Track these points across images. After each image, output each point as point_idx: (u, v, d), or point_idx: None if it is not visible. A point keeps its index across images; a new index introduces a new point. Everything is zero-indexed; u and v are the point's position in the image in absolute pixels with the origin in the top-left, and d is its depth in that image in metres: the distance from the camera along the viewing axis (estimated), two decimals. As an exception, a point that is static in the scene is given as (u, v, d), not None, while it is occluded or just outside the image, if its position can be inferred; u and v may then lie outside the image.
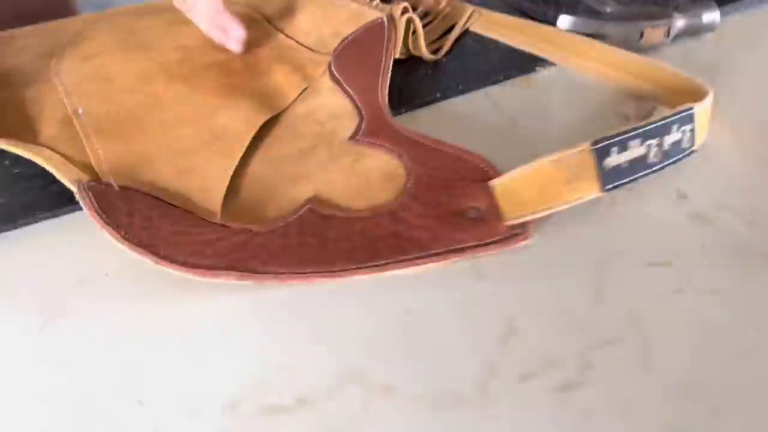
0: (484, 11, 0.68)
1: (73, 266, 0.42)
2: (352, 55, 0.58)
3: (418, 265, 0.41)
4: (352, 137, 0.51)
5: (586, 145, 0.43)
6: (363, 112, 0.52)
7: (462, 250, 0.42)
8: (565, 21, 0.64)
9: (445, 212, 0.44)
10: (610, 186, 0.44)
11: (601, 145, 0.43)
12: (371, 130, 0.50)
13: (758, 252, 0.41)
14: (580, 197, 0.43)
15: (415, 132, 0.50)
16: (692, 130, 0.47)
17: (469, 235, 0.42)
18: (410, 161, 0.47)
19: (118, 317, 0.39)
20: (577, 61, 0.61)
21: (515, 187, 0.44)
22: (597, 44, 0.60)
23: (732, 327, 0.37)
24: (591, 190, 0.43)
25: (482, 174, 0.46)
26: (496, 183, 0.45)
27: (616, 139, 0.44)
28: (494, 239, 0.42)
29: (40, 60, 0.61)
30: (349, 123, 0.52)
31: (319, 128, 0.52)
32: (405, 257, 0.41)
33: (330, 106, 0.54)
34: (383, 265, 0.41)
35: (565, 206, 0.43)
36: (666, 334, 0.36)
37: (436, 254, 0.41)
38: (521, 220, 0.43)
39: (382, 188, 0.46)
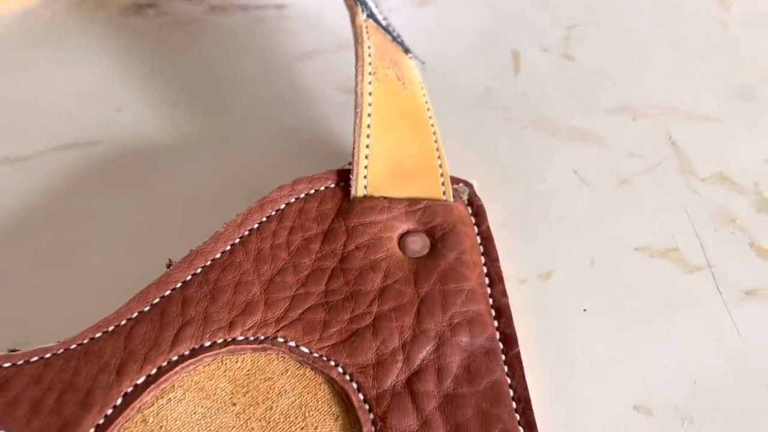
0: None
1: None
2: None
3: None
4: None
5: (357, 16, 0.24)
6: None
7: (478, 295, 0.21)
8: None
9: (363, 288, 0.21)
10: (406, 45, 0.27)
11: (360, 4, 0.25)
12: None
13: None
14: (419, 84, 0.25)
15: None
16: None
17: (463, 283, 0.21)
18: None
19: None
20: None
21: (385, 152, 0.23)
22: None
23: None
24: (411, 68, 0.26)
25: (328, 202, 0.22)
26: (361, 182, 0.22)
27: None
28: (475, 237, 0.23)
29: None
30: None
31: None
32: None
33: None
34: None
35: (431, 117, 0.25)
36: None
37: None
38: (443, 178, 0.24)
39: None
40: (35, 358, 0.19)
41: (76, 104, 0.28)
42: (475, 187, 0.24)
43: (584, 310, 0.23)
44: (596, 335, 0.23)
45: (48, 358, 0.19)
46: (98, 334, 0.20)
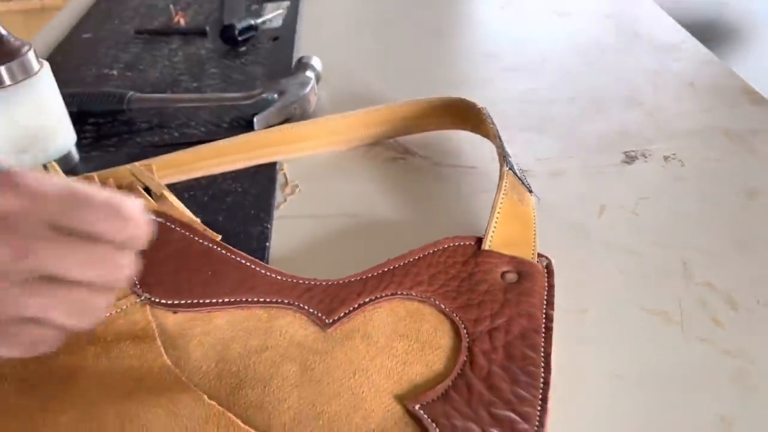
0: (146, 163, 0.55)
1: None
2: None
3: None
4: (325, 325, 0.40)
5: (503, 168, 0.47)
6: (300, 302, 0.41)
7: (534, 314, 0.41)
8: (260, 120, 0.59)
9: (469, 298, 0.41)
10: (531, 188, 0.48)
11: (507, 160, 0.47)
12: (330, 306, 0.41)
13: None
14: (533, 207, 0.47)
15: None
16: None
17: (531, 298, 0.41)
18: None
19: None
20: (328, 141, 0.59)
21: (504, 232, 0.44)
22: (330, 119, 0.60)
23: None
24: (530, 199, 0.47)
25: (469, 249, 0.44)
26: (487, 243, 0.44)
27: (506, 152, 0.48)
28: (544, 282, 0.42)
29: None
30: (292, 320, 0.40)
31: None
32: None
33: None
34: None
35: (535, 223, 0.46)
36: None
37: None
38: (533, 252, 0.44)
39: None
40: (321, 283, 0.42)
41: (356, 202, 0.53)
42: (553, 262, 0.43)
43: (584, 309, 0.41)
44: (604, 337, 0.40)
45: (328, 285, 0.42)
46: (352, 279, 0.42)
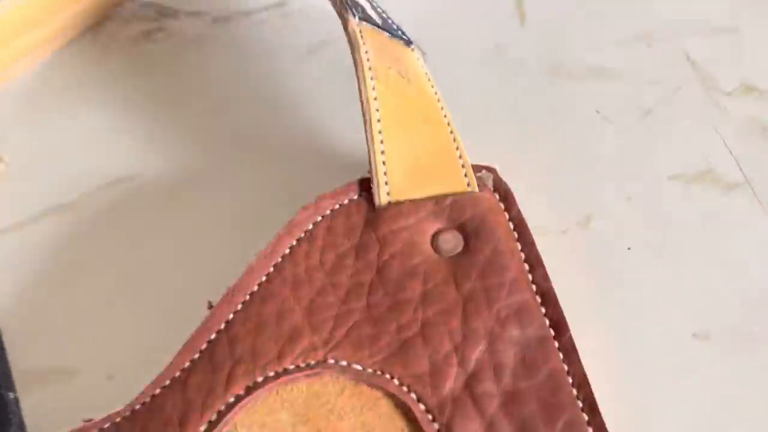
0: None
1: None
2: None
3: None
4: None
5: (351, 23, 0.22)
6: None
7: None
8: None
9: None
10: (409, 39, 0.24)
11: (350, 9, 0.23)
12: None
13: None
14: (425, 74, 0.23)
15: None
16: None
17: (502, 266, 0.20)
18: None
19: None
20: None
21: (403, 155, 0.22)
22: None
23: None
24: (413, 58, 0.24)
25: (355, 215, 0.21)
26: (383, 191, 0.21)
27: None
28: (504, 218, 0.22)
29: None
30: None
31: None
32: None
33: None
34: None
35: (437, 93, 0.23)
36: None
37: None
38: (464, 168, 0.22)
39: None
40: (107, 425, 0.19)
41: (108, 142, 0.27)
42: (498, 171, 0.22)
43: (629, 248, 0.22)
44: (645, 271, 0.22)
45: (119, 422, 0.19)
46: (158, 391, 0.19)
